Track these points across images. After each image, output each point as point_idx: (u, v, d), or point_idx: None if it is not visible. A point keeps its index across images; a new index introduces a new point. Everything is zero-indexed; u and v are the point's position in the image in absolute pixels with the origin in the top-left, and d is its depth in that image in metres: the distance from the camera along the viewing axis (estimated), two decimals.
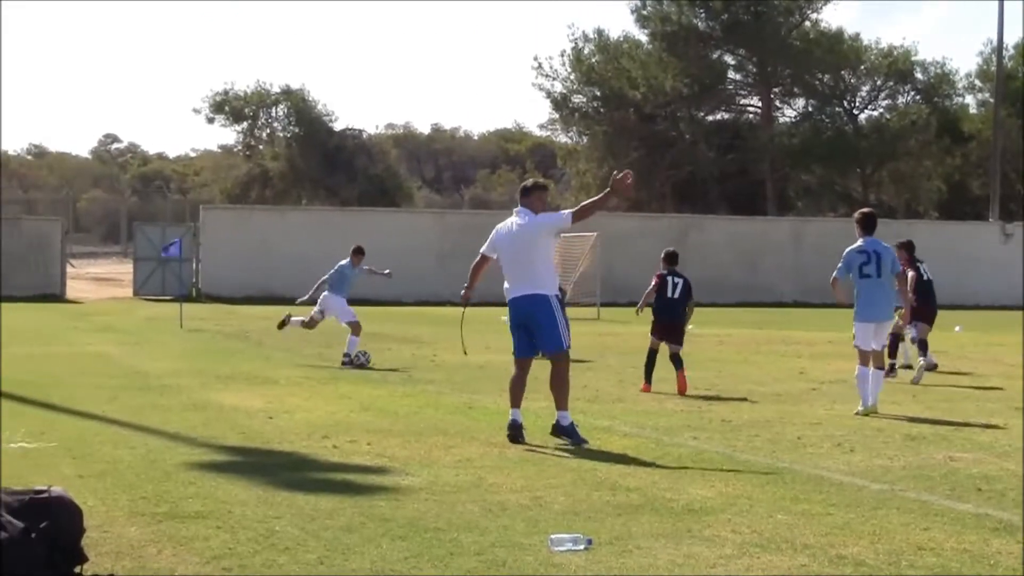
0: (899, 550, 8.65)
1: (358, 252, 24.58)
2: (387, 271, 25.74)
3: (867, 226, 17.14)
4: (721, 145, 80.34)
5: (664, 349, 19.60)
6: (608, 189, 13.34)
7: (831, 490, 10.81)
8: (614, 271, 50.93)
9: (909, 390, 19.66)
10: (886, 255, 16.91)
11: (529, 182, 14.42)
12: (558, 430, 13.56)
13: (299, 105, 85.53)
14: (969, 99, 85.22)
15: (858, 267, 16.91)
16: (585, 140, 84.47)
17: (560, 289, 15.10)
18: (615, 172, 13.74)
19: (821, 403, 17.71)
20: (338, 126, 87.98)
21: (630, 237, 54.15)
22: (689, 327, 20.23)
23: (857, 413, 16.29)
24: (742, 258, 59.68)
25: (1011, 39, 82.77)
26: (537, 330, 13.73)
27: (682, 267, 20.48)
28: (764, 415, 16.18)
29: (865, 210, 17.89)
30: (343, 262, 24.49)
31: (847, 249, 17.17)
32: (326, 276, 24.63)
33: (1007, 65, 76.92)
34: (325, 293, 24.38)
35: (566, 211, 13.77)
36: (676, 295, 19.69)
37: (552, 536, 8.66)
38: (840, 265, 17.12)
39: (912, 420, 15.89)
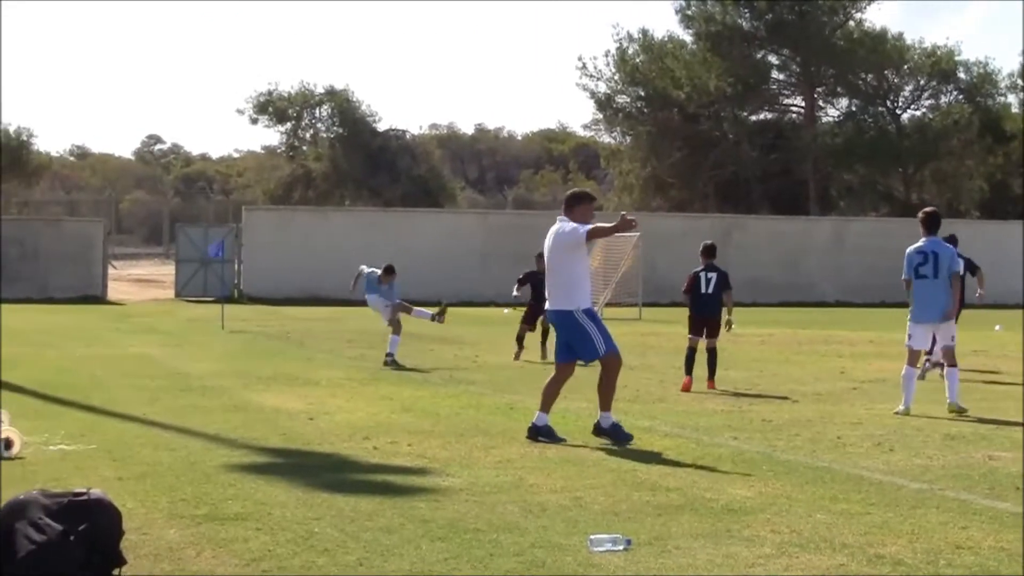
0: (937, 549, 8.64)
1: (389, 272, 24.42)
2: (390, 322, 24.22)
3: (929, 225, 17.01)
4: (764, 145, 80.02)
5: (703, 345, 19.83)
6: (615, 223, 13.39)
7: (870, 489, 10.80)
8: (657, 271, 50.83)
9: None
10: (944, 255, 16.76)
11: (571, 191, 14.45)
12: (598, 431, 13.61)
13: (343, 106, 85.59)
14: (1012, 98, 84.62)
15: (915, 267, 16.86)
16: (628, 140, 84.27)
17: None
18: (624, 212, 14.07)
19: (862, 403, 17.67)
20: (382, 127, 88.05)
21: (673, 237, 54.03)
22: (734, 326, 20.25)
23: (897, 412, 16.25)
24: (784, 258, 59.49)
25: None
26: (572, 344, 13.84)
27: (725, 267, 20.55)
28: (805, 415, 16.15)
29: (928, 209, 17.70)
30: (377, 271, 24.41)
31: (908, 249, 17.13)
32: (364, 269, 24.67)
33: None
34: (367, 295, 24.45)
35: (584, 227, 13.74)
36: (710, 290, 19.84)
37: (591, 536, 8.68)
38: (904, 265, 17.09)
39: (952, 419, 15.85)
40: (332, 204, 77.62)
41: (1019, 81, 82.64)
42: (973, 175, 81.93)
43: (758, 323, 37.84)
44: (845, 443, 13.63)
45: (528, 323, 25.10)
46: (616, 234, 14.08)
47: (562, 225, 13.83)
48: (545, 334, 24.37)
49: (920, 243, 16.96)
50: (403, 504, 9.94)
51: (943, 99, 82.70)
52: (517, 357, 24.42)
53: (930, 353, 20.87)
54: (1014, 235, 61.18)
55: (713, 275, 19.90)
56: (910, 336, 16.93)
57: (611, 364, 13.76)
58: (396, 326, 23.62)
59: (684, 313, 20.67)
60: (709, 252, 20.22)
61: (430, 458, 12.27)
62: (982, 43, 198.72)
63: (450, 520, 9.37)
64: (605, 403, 13.70)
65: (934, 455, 12.83)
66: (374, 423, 14.88)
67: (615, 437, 13.41)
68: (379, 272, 24.31)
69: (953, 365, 16.87)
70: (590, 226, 13.71)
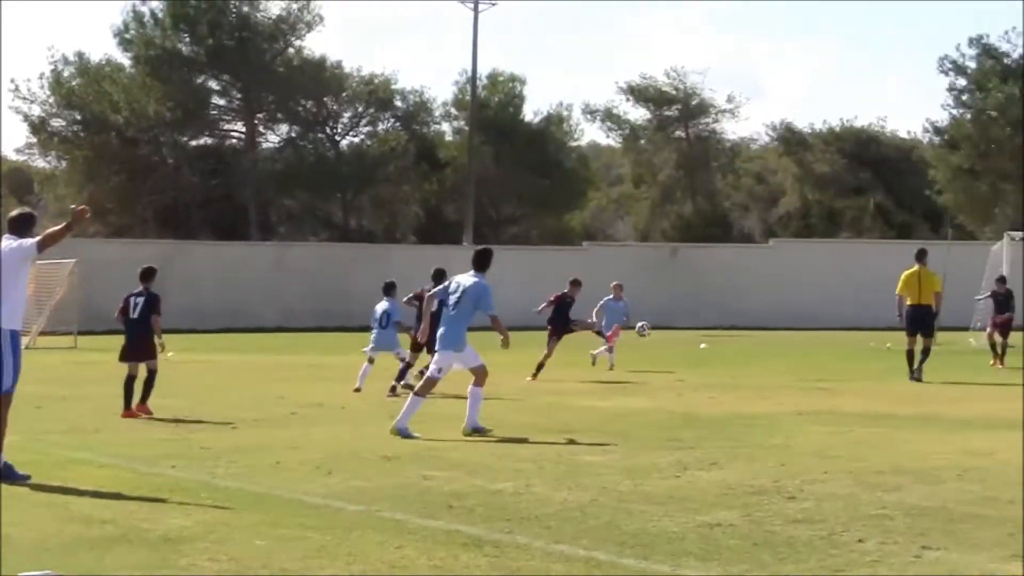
0: (374, 569, 8.77)
1: None
2: None
3: (473, 262, 17.65)
4: (205, 171, 79.91)
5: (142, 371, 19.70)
6: (69, 220, 13.00)
7: (309, 513, 10.87)
8: (93, 299, 49.64)
9: (390, 411, 19.86)
10: (471, 292, 17.22)
11: (17, 213, 13.92)
12: None
13: None
14: (446, 127, 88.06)
15: (449, 298, 17.38)
16: (64, 165, 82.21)
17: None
18: (72, 204, 13.68)
19: (300, 427, 17.82)
20: None
21: (111, 263, 53.02)
22: (169, 354, 20.05)
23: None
24: (225, 283, 59.55)
25: (484, 69, 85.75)
26: None
27: (166, 294, 20.36)
28: (244, 441, 16.14)
29: (479, 247, 18.55)
30: None
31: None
32: None
33: (481, 94, 79.97)
34: None
35: (31, 240, 13.25)
36: (136, 315, 19.78)
37: (20, 574, 8.35)
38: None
39: (390, 441, 16.16)
40: None
41: (452, 110, 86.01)
42: (409, 200, 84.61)
43: (199, 349, 37.66)
44: (284, 468, 13.69)
45: None
46: (66, 236, 13.53)
47: (9, 242, 13.29)
48: None
49: (460, 276, 17.63)
50: None
51: (381, 126, 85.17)
52: None
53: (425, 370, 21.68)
54: (448, 258, 63.24)
55: (141, 299, 19.76)
56: (435, 362, 17.42)
57: (6, 403, 13.17)
58: None
59: (121, 341, 20.34)
60: (145, 276, 20.09)
61: None
62: (418, 73, 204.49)
63: None
64: None
65: (372, 476, 13.05)
66: None
67: (11, 478, 12.81)
68: None
69: (420, 395, 17.25)
70: (39, 237, 13.19)
